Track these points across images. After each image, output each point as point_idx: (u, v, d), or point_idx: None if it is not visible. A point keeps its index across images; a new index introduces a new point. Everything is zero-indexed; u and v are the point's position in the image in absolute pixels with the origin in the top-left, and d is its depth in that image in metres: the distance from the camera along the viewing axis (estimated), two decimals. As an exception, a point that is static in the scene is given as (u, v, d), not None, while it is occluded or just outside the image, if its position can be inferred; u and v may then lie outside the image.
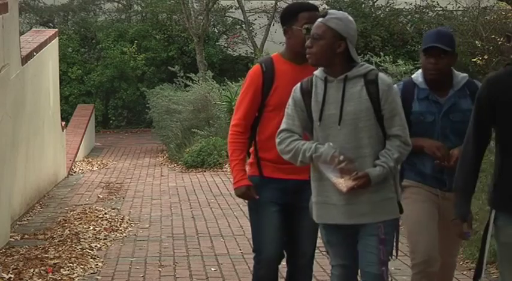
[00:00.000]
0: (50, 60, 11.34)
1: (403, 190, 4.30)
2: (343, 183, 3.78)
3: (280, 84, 4.27)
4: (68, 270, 6.32)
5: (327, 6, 22.15)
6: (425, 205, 4.34)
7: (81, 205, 9.71)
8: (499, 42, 13.70)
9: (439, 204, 4.36)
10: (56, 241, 7.41)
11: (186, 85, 16.61)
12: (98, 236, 7.69)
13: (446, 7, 19.77)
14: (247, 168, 4.41)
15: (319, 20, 3.93)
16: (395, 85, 4.19)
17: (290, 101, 3.93)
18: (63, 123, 12.92)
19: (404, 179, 4.41)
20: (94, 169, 13.76)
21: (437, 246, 4.27)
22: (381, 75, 3.91)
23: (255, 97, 4.32)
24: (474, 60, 14.20)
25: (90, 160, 14.96)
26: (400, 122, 3.87)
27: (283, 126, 3.92)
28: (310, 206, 4.02)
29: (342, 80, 3.86)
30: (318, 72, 3.94)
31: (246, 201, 4.53)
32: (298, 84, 3.95)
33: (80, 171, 13.39)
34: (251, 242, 7.45)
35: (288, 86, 4.09)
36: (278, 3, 21.99)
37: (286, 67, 4.32)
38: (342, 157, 3.75)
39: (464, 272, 6.22)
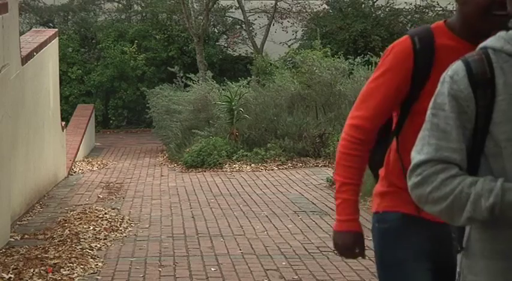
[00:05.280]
0: (50, 60, 11.34)
1: None
2: None
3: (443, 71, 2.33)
4: (68, 270, 6.31)
5: (327, 6, 22.20)
6: None
7: (81, 205, 9.71)
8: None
9: None
10: (56, 241, 7.41)
11: (186, 85, 16.63)
12: (98, 236, 7.69)
13: (446, 7, 19.79)
14: (376, 200, 2.87)
15: None
16: None
17: (444, 101, 2.05)
18: (63, 123, 12.92)
19: None
20: (94, 169, 13.76)
21: None
22: None
23: (396, 88, 2.71)
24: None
25: (90, 160, 14.95)
26: None
27: (427, 153, 2.03)
28: None
29: None
30: (504, 43, 2.06)
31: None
32: (460, 68, 2.06)
33: (80, 171, 13.39)
34: (251, 242, 7.52)
35: None
36: (278, 3, 22.02)
37: (454, 45, 2.68)
38: None
39: None
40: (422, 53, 2.69)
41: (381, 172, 2.85)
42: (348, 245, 2.79)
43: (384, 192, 2.82)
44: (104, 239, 7.63)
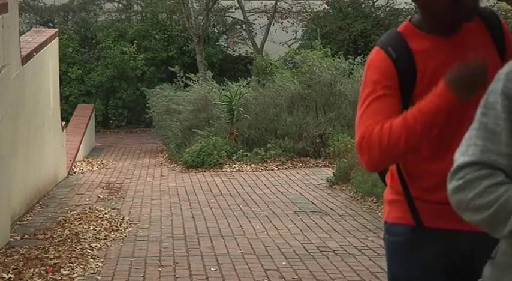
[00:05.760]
0: (50, 60, 11.34)
1: None
2: None
3: (429, 76, 2.53)
4: (68, 270, 6.31)
5: (327, 6, 22.20)
6: None
7: (81, 205, 9.71)
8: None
9: None
10: (56, 241, 7.41)
11: (186, 85, 16.63)
12: (98, 236, 7.69)
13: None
14: (386, 208, 2.73)
15: None
16: None
17: (496, 99, 1.84)
18: (63, 123, 12.92)
19: None
20: (94, 169, 13.76)
21: None
22: None
23: (390, 100, 2.52)
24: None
25: (90, 160, 14.95)
26: None
27: (472, 154, 1.84)
28: None
29: None
30: None
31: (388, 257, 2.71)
32: None
33: (80, 171, 13.39)
34: (251, 242, 7.51)
35: (442, 76, 2.42)
36: (278, 3, 22.03)
37: (429, 44, 2.59)
38: None
39: None
40: (401, 61, 2.53)
41: (387, 178, 2.73)
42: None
43: (391, 200, 2.68)
44: (104, 239, 7.63)
